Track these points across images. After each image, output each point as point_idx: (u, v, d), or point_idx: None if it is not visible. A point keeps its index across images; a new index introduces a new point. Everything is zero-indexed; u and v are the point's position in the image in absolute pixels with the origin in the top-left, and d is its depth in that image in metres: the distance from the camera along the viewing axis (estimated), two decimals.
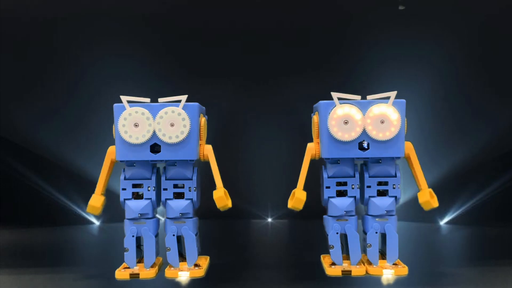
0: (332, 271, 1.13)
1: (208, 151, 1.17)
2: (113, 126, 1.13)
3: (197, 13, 1.92)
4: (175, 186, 1.18)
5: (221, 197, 1.15)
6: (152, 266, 1.15)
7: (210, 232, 1.77)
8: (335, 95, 1.11)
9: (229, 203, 1.16)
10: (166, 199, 1.17)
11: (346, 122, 1.10)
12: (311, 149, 1.15)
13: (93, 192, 1.19)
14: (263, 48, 1.95)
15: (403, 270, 1.13)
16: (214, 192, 1.16)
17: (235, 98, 1.97)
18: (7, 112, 1.97)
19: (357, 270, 1.12)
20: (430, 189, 1.17)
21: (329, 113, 1.11)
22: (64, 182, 2.02)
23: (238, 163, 2.04)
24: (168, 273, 1.13)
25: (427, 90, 1.92)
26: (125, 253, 1.14)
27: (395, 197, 1.16)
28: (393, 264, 1.16)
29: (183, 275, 1.12)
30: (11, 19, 1.84)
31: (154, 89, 1.85)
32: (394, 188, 1.17)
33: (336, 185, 1.17)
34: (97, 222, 2.01)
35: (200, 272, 1.13)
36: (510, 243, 1.57)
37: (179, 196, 1.18)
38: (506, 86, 1.92)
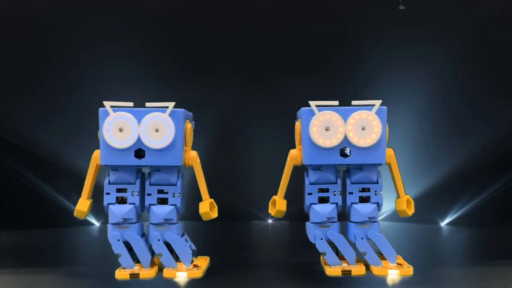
0: (332, 271, 1.13)
1: (193, 158, 1.16)
2: (98, 131, 1.13)
3: (197, 14, 1.92)
4: (160, 191, 1.17)
5: (207, 213, 1.16)
6: (151, 266, 1.15)
7: (210, 234, 1.77)
8: (313, 103, 1.12)
9: (213, 216, 1.17)
10: (150, 205, 1.17)
11: (327, 129, 1.11)
12: (294, 156, 1.16)
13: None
14: (263, 49, 1.95)
15: (408, 270, 1.13)
16: (200, 206, 1.17)
17: (235, 99, 1.97)
18: (7, 113, 1.97)
19: (357, 270, 1.12)
20: (408, 196, 1.18)
21: (311, 120, 1.11)
22: (64, 183, 2.02)
23: (239, 164, 2.04)
24: (166, 273, 1.13)
25: (428, 91, 1.92)
26: (119, 259, 1.14)
27: (377, 203, 1.17)
28: (397, 264, 1.16)
29: (181, 275, 1.12)
30: (11, 19, 1.85)
31: (154, 90, 1.86)
32: (376, 194, 1.17)
33: (318, 192, 1.17)
34: (97, 223, 2.00)
35: (198, 273, 1.13)
36: (510, 243, 1.57)
37: (163, 201, 1.17)
38: (507, 88, 1.92)
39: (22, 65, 1.92)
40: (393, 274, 1.12)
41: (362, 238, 1.16)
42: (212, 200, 1.17)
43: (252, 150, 2.00)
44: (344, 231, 1.19)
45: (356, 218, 1.16)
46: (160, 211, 1.16)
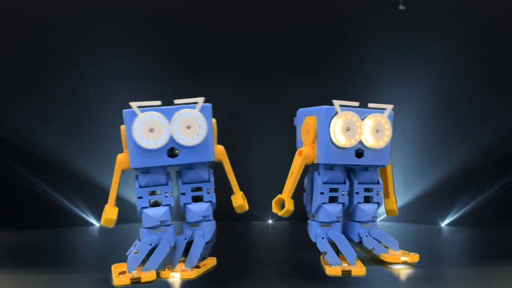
0: (332, 271, 1.13)
1: (221, 153, 1.16)
2: (122, 133, 1.10)
3: (197, 14, 1.92)
4: (193, 189, 1.15)
5: (241, 206, 1.17)
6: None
7: None
8: (337, 102, 1.12)
9: (247, 207, 1.18)
10: (185, 204, 1.14)
11: (348, 129, 1.11)
12: (307, 154, 1.14)
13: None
14: (263, 49, 1.95)
15: (415, 257, 1.19)
16: (233, 199, 1.17)
17: (235, 99, 1.97)
18: (7, 114, 1.97)
19: (357, 270, 1.12)
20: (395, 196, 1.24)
21: (332, 120, 1.11)
22: (65, 183, 2.02)
23: (239, 165, 2.03)
24: (163, 274, 1.11)
25: (428, 91, 1.92)
26: (132, 254, 1.10)
27: (378, 203, 1.20)
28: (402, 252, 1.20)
29: (175, 276, 1.10)
30: (11, 19, 1.84)
31: (155, 90, 1.86)
32: (377, 194, 1.20)
33: (330, 191, 1.17)
34: (97, 224, 2.00)
35: (191, 274, 1.11)
36: (510, 244, 1.57)
37: (196, 199, 1.15)
38: (507, 88, 1.92)
39: (22, 65, 1.92)
40: (404, 259, 1.18)
41: (366, 236, 1.18)
42: (242, 192, 1.18)
43: (252, 150, 2.00)
44: (343, 231, 1.19)
45: (361, 217, 1.18)
46: (197, 209, 1.14)
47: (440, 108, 1.95)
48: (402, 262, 1.18)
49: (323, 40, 1.97)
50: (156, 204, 1.13)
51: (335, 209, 1.16)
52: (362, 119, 1.13)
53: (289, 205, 1.15)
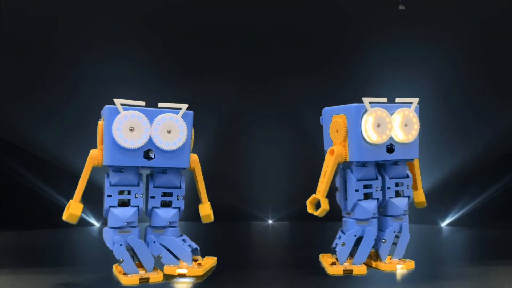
0: (334, 270, 1.13)
1: (195, 161, 1.16)
2: (99, 129, 1.10)
3: (197, 14, 1.92)
4: (163, 194, 1.14)
5: (209, 215, 1.17)
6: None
7: (211, 234, 1.77)
8: (366, 100, 1.12)
9: (213, 218, 1.18)
10: (153, 207, 1.13)
11: (378, 126, 1.12)
12: (339, 153, 1.14)
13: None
14: (263, 49, 1.95)
15: (411, 264, 1.17)
16: (201, 208, 1.17)
17: (236, 99, 1.97)
18: (7, 114, 1.96)
19: (359, 269, 1.12)
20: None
21: (363, 117, 1.11)
22: (65, 183, 2.01)
23: (239, 165, 2.04)
24: (167, 269, 1.11)
25: (428, 91, 1.91)
26: (121, 264, 1.09)
27: (408, 197, 1.20)
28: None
29: (182, 272, 1.10)
30: (11, 19, 1.84)
31: (155, 90, 1.86)
32: (408, 188, 1.20)
33: (364, 188, 1.17)
34: (97, 224, 2.00)
35: (199, 271, 1.11)
36: (510, 244, 1.57)
37: (165, 204, 1.14)
38: (507, 88, 1.92)
39: (22, 65, 1.92)
40: (400, 269, 1.15)
41: (394, 232, 1.18)
42: (209, 202, 1.18)
43: (252, 150, 2.00)
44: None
45: (394, 212, 1.18)
46: (165, 214, 1.13)
47: (440, 108, 1.94)
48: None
49: (323, 40, 1.97)
50: (123, 204, 1.11)
51: (370, 206, 1.16)
52: (391, 115, 1.14)
53: (325, 205, 1.15)
